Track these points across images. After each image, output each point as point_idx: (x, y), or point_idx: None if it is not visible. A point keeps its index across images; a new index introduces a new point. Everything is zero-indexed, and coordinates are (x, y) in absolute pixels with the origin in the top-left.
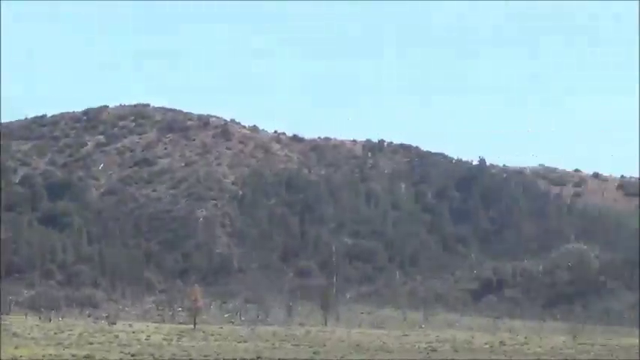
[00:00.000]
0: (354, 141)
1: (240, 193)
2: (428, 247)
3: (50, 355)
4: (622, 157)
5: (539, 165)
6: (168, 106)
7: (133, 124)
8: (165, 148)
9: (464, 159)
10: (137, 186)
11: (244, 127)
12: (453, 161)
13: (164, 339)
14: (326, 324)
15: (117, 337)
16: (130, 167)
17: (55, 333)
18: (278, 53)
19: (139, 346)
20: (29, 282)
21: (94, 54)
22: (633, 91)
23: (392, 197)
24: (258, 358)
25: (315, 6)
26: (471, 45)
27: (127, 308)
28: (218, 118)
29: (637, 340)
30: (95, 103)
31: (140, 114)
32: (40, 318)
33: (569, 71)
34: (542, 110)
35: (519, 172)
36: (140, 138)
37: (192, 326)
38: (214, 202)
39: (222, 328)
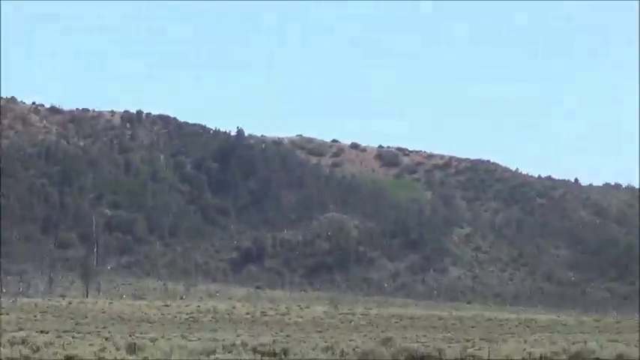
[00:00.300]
0: (113, 112)
1: None
2: (187, 218)
3: None
4: (381, 129)
5: (297, 135)
6: None
7: None
8: None
9: (222, 130)
10: None
11: (2, 98)
12: (212, 132)
13: None
14: (87, 295)
15: None
16: None
17: None
18: (38, 25)
19: None
20: None
21: None
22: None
23: (151, 168)
24: (20, 330)
25: None
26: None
27: None
28: None
29: (399, 310)
30: None
31: None
32: None
33: (328, 45)
34: (301, 81)
35: (278, 143)
36: None
37: None
38: None
39: None
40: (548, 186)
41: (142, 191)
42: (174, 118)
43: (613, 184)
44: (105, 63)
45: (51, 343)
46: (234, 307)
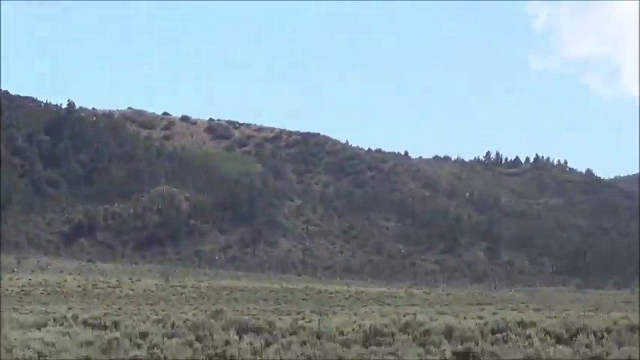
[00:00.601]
0: None
1: None
2: (19, 191)
3: None
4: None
5: (128, 108)
6: None
7: None
8: None
9: (53, 102)
10: None
11: None
12: (42, 105)
13: None
14: None
15: None
16: None
17: None
18: None
19: None
20: None
21: None
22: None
23: None
24: None
25: None
26: None
27: None
28: None
29: (230, 282)
30: None
31: None
32: None
33: (159, 16)
34: (132, 53)
35: (108, 116)
36: None
37: None
38: None
39: None
40: (378, 158)
41: None
42: (5, 91)
43: (442, 156)
44: None
45: None
46: (65, 280)
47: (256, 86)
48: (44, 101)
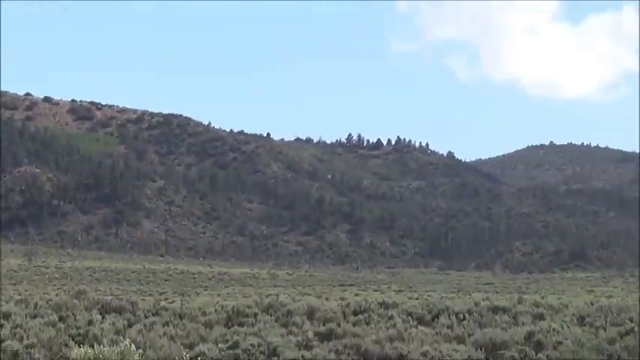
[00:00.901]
0: None
1: None
2: None
3: None
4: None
5: None
6: None
7: None
8: None
9: None
10: None
11: None
12: None
13: None
14: None
15: None
16: None
17: None
18: None
19: None
20: None
21: None
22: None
23: None
24: None
25: None
26: None
27: None
28: None
29: (92, 263)
30: None
31: None
32: None
33: None
34: None
35: None
36: None
37: None
38: None
39: None
40: (241, 140)
41: None
42: None
43: (304, 138)
44: None
45: None
46: None
47: (119, 68)
48: None
